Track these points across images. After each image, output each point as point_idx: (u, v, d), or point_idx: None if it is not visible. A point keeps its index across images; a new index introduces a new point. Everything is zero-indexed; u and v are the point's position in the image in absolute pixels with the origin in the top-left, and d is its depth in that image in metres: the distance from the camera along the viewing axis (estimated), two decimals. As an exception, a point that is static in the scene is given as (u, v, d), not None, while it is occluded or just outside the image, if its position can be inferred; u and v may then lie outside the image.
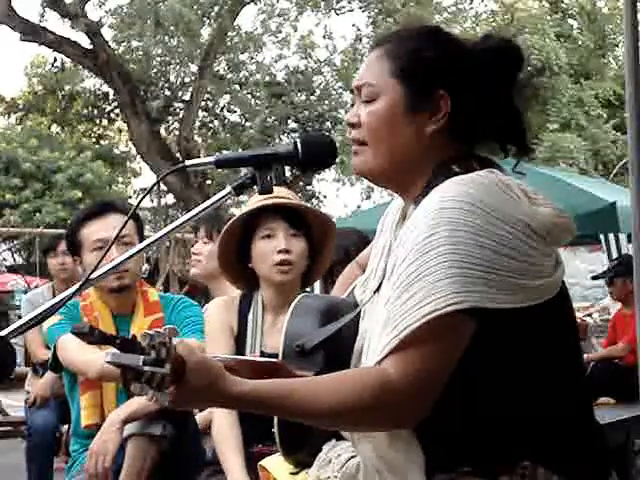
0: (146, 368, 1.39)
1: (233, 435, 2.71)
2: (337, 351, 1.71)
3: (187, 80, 18.68)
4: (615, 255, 7.55)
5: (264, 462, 2.13)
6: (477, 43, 1.72)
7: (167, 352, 1.41)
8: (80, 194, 19.03)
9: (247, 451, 2.70)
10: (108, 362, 1.40)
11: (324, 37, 18.34)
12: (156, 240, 1.70)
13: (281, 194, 2.75)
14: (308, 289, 3.01)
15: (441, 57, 1.69)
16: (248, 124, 18.99)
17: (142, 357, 1.39)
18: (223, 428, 2.73)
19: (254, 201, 2.80)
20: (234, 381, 1.48)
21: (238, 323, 2.84)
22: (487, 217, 1.52)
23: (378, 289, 1.72)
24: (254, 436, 2.70)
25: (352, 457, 1.72)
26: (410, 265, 1.52)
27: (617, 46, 20.95)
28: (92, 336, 1.40)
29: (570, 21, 20.96)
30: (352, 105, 1.76)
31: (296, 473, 1.92)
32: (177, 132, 18.56)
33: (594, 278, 7.33)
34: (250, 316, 2.84)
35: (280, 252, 2.76)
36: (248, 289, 2.89)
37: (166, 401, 1.44)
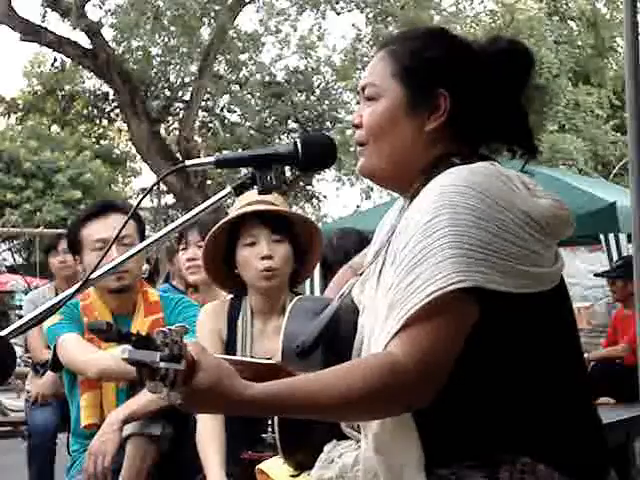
0: (162, 364, 1.39)
1: (215, 437, 2.70)
2: (337, 348, 1.70)
3: (187, 80, 18.65)
4: (615, 255, 7.55)
5: (262, 465, 2.11)
6: (485, 45, 1.73)
7: (179, 349, 1.41)
8: (80, 194, 19.06)
9: (236, 457, 2.69)
10: (124, 359, 1.40)
11: (318, 38, 18.35)
12: (156, 240, 1.70)
13: (264, 199, 2.72)
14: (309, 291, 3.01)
15: (442, 57, 1.70)
16: (248, 124, 18.98)
17: (158, 353, 1.39)
18: (206, 430, 2.72)
19: (238, 206, 2.78)
20: (243, 384, 1.46)
21: (228, 329, 2.83)
22: (487, 202, 1.52)
23: (377, 280, 1.72)
24: (243, 442, 2.69)
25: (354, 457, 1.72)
26: (412, 249, 1.53)
27: (616, 50, 20.94)
28: (109, 333, 1.39)
29: (569, 23, 20.93)
30: (358, 103, 1.76)
31: (296, 475, 1.89)
32: (177, 132, 18.54)
33: (596, 275, 7.34)
34: (239, 322, 2.83)
35: (263, 259, 2.75)
36: (238, 293, 2.89)
37: (178, 400, 1.43)
